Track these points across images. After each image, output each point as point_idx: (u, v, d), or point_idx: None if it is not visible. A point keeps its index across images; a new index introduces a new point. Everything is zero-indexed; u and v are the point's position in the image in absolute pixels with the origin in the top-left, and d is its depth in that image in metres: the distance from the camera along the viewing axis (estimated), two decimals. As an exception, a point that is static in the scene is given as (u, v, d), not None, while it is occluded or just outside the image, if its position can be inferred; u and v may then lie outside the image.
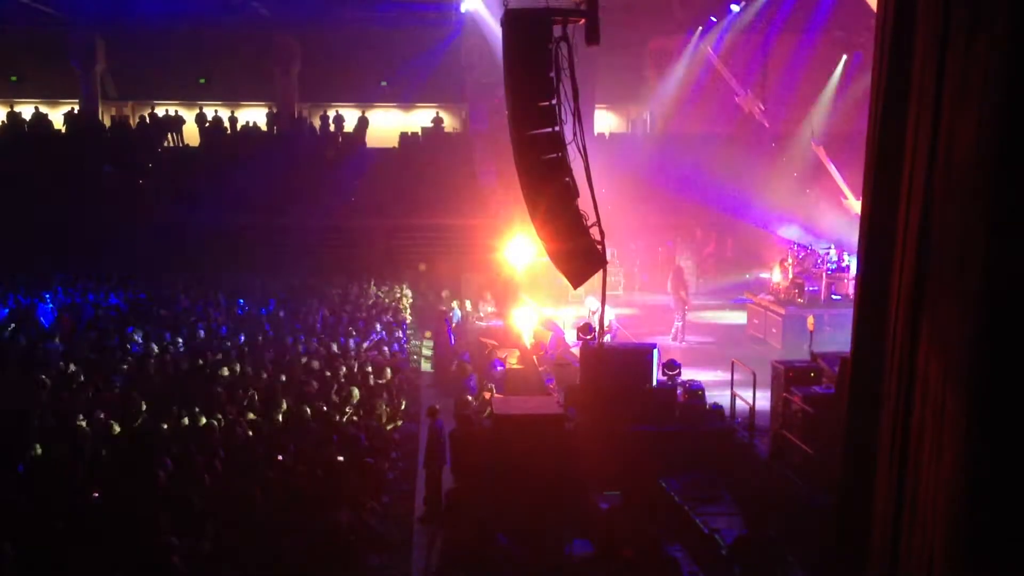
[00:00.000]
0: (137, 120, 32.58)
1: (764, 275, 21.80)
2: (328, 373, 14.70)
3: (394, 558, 10.26)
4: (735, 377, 13.20)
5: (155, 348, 15.72)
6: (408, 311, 20.96)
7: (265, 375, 14.36)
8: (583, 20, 11.58)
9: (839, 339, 13.95)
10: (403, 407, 14.44)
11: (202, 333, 17.29)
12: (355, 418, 12.69)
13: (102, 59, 31.73)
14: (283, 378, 14.19)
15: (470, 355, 16.81)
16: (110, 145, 30.02)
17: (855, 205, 20.43)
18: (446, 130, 32.78)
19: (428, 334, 19.27)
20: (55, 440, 11.15)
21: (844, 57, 25.70)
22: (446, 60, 29.65)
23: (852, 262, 18.26)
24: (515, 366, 15.95)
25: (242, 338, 16.96)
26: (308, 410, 12.56)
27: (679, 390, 13.00)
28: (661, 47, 28.30)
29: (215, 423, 11.71)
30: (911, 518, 6.80)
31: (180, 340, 16.54)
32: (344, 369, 14.92)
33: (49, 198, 27.18)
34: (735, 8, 25.35)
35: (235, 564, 7.99)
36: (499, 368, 15.69)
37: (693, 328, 20.43)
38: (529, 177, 11.70)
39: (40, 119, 31.62)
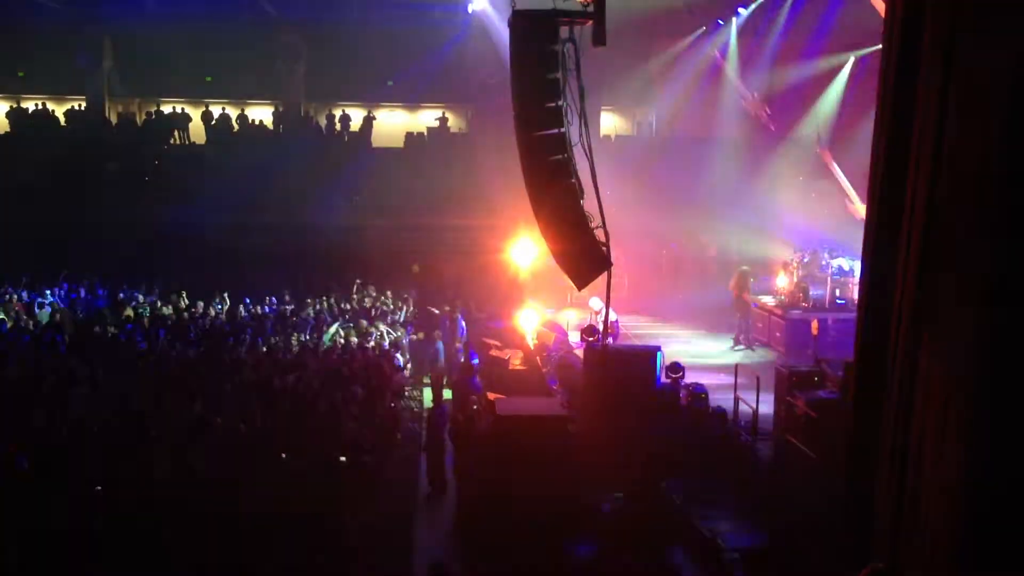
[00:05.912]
0: (143, 117, 32.64)
1: (768, 279, 21.75)
2: (330, 372, 14.70)
3: (395, 557, 10.27)
4: (739, 381, 13.18)
5: (158, 345, 15.73)
6: (410, 311, 20.92)
7: (267, 373, 14.35)
8: (590, 22, 11.59)
9: (843, 343, 13.95)
10: (403, 406, 14.48)
11: (204, 330, 17.32)
12: (357, 418, 12.68)
13: (109, 56, 31.80)
14: (285, 377, 14.18)
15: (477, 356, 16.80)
16: (115, 142, 30.09)
17: (860, 209, 20.40)
18: (452, 130, 32.79)
19: (421, 335, 19.21)
20: (56, 436, 11.16)
21: (851, 59, 25.55)
22: (453, 60, 29.62)
23: (856, 266, 18.23)
24: (518, 367, 15.93)
25: (245, 336, 16.96)
26: (310, 409, 12.56)
27: (682, 393, 13.00)
28: (667, 49, 28.26)
29: (217, 421, 11.69)
30: (913, 522, 6.80)
31: (183, 337, 16.55)
32: (345, 369, 14.91)
33: (53, 195, 27.25)
34: (743, 11, 25.31)
35: (236, 563, 7.99)
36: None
37: (696, 330, 20.45)
38: (535, 178, 11.70)
39: (45, 115, 31.69)
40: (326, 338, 16.93)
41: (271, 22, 30.54)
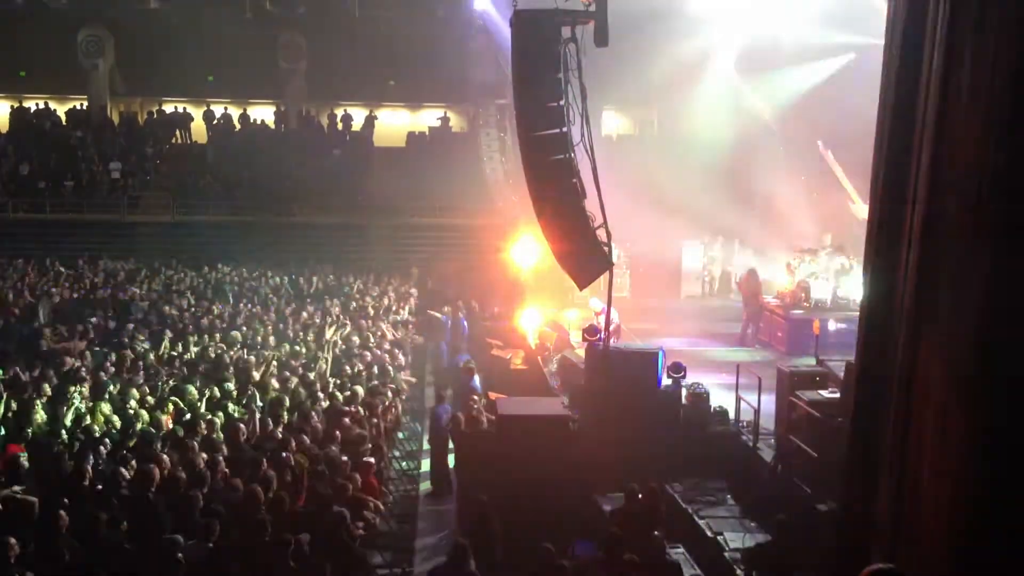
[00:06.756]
0: (145, 117, 32.69)
1: (770, 278, 21.75)
2: (333, 371, 14.72)
3: (396, 557, 10.28)
4: (740, 381, 13.17)
5: (160, 344, 15.74)
6: (412, 311, 20.93)
7: (270, 372, 14.35)
8: (592, 22, 11.60)
9: (845, 343, 13.95)
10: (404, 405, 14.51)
11: (206, 330, 17.32)
12: (358, 416, 12.69)
13: (111, 55, 31.85)
14: (288, 376, 14.19)
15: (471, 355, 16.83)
16: (118, 141, 30.15)
17: (862, 209, 20.40)
18: (453, 130, 32.83)
19: (421, 337, 19.23)
20: (57, 435, 11.17)
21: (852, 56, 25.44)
22: (454, 60, 29.66)
23: (857, 266, 18.23)
24: (520, 366, 15.95)
25: (246, 336, 16.97)
26: (312, 408, 12.56)
27: (684, 393, 13.00)
28: (668, 49, 28.23)
29: (218, 420, 11.70)
30: (914, 523, 6.80)
31: (184, 336, 16.55)
32: (348, 368, 14.93)
33: (55, 193, 27.34)
34: (744, 10, 25.29)
35: (238, 562, 7.99)
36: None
37: (698, 330, 20.43)
38: (536, 178, 11.71)
39: (47, 114, 31.74)
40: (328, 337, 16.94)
41: (273, 22, 30.59)
